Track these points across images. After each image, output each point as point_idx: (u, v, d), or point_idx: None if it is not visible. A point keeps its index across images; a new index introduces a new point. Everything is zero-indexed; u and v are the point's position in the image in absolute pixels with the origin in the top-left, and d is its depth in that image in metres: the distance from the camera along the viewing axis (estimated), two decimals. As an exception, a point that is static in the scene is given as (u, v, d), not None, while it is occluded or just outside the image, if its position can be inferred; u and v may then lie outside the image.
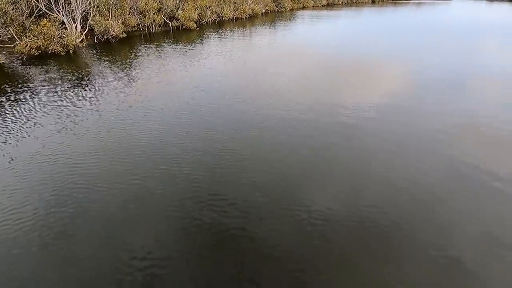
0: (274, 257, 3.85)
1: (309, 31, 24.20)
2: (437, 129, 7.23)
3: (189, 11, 22.23)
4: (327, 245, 4.00)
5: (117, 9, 18.12)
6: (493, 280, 3.54)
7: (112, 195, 4.99)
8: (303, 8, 45.16)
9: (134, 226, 4.37)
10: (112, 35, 17.10)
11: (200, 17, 24.31)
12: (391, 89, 10.37)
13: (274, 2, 38.17)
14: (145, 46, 17.07)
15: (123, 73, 12.27)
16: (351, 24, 29.72)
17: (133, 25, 20.18)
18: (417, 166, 5.71)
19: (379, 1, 65.76)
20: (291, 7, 41.54)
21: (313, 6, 47.13)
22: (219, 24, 26.30)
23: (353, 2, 60.61)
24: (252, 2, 31.39)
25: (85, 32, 17.07)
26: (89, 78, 11.37)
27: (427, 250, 3.89)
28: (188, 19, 22.00)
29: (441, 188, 5.10)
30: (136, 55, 15.10)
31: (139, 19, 20.70)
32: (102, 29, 16.41)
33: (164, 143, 6.64)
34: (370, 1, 64.88)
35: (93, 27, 16.91)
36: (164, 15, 22.61)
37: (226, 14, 27.42)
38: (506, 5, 46.86)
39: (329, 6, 51.18)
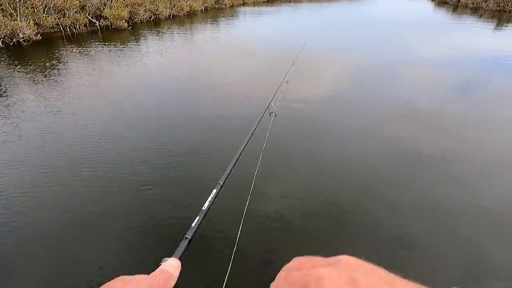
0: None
1: (251, 27, 24.05)
2: (377, 115, 7.75)
3: (118, 9, 20.35)
4: (285, 229, 4.12)
5: (27, 7, 15.70)
6: (437, 244, 3.90)
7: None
8: (244, 4, 44.97)
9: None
10: (23, 37, 14.76)
11: (132, 15, 22.48)
12: (330, 81, 10.69)
13: (213, -1, 37.26)
14: (67, 49, 15.09)
15: (40, 79, 10.60)
16: (291, 19, 30.36)
17: (51, 26, 17.77)
18: (363, 150, 6.10)
19: (316, -3, 68.58)
20: (231, 4, 41.01)
21: (253, 3, 47.22)
22: (155, 23, 24.68)
23: (292, -2, 62.32)
24: (190, -2, 30.13)
25: (-13, 35, 14.46)
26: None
27: (376, 224, 4.15)
28: (117, 18, 20.14)
29: (385, 168, 5.53)
30: (56, 59, 13.24)
31: (58, 18, 18.30)
32: (8, 31, 14.04)
33: (98, 153, 5.85)
34: (308, -3, 67.37)
35: (-4, 29, 14.40)
36: (89, 13, 20.38)
37: (162, 11, 25.85)
38: (422, 1, 52.69)
39: (269, 2, 51.84)
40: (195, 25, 24.46)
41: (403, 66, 12.73)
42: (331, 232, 4.10)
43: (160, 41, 17.41)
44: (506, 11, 32.82)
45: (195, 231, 0.81)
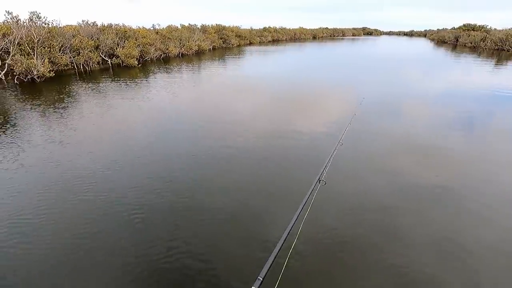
0: None
1: (258, 65, 24.99)
2: (382, 149, 7.66)
3: (129, 48, 21.53)
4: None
5: (44, 48, 16.67)
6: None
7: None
8: (250, 44, 47.49)
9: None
10: (37, 74, 15.46)
11: (142, 54, 23.71)
12: (333, 115, 10.65)
13: (221, 39, 39.45)
14: (78, 84, 15.69)
15: (47, 112, 10.83)
16: (297, 58, 31.64)
17: (65, 64, 18.71)
18: (366, 182, 5.93)
19: (319, 38, 72.42)
20: (238, 43, 43.32)
21: (259, 42, 49.86)
22: (165, 61, 25.94)
23: (296, 38, 65.84)
24: (198, 39, 31.93)
25: (4, 71, 15.21)
26: (7, 121, 9.73)
27: (376, 256, 4.01)
28: (128, 56, 21.21)
29: (390, 202, 5.33)
30: (66, 93, 13.67)
31: (73, 57, 19.34)
32: (23, 69, 14.75)
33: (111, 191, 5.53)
34: (311, 38, 71.16)
35: (12, 67, 15.15)
36: (102, 52, 21.56)
37: (172, 50, 27.27)
38: (422, 40, 54.95)
39: (275, 42, 54.75)
40: (202, 63, 25.57)
41: (408, 101, 12.72)
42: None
43: (168, 77, 18.05)
44: (504, 50, 33.71)
45: None
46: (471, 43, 39.53)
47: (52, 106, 11.77)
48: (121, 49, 21.78)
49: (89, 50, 20.19)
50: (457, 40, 43.85)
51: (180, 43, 29.17)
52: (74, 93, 13.89)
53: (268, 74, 20.16)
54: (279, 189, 5.81)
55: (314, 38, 71.69)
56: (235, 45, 42.21)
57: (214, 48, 37.22)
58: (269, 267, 1.08)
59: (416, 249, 4.17)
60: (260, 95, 14.22)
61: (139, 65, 22.15)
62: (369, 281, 3.65)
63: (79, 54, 19.65)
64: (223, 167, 6.72)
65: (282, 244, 1.33)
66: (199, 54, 31.53)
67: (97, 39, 21.55)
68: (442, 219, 4.85)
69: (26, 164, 6.82)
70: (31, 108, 11.45)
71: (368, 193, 5.59)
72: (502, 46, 34.18)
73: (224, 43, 40.26)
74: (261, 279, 0.95)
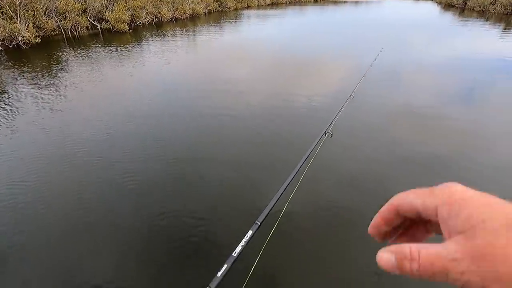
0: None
1: (257, 30, 23.79)
2: (382, 118, 7.51)
3: (119, 12, 20.25)
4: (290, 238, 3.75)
5: (27, 10, 15.62)
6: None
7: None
8: (248, 7, 44.91)
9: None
10: (22, 40, 14.65)
11: (133, 18, 22.39)
12: (338, 81, 10.40)
13: (217, 2, 37.20)
14: (68, 51, 14.96)
15: (37, 79, 10.45)
16: (298, 22, 30.08)
17: (51, 29, 17.69)
18: (368, 154, 5.82)
19: (320, 1, 68.51)
20: (235, 7, 40.97)
21: (257, 5, 47.17)
22: (157, 26, 24.59)
23: (296, 1, 62.26)
24: (193, 1, 30.05)
25: (-14, 37, 14.37)
26: None
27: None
28: (118, 21, 20.03)
29: (391, 171, 5.32)
30: (55, 60, 13.11)
31: (59, 21, 18.23)
32: (6, 34, 13.93)
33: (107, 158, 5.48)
34: (313, 0, 67.31)
35: (-5, 32, 14.30)
36: (90, 16, 20.32)
37: (164, 14, 25.77)
38: (429, 3, 52.14)
39: (274, 5, 51.78)
40: (198, 28, 24.29)
41: (411, 70, 12.29)
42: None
43: (161, 43, 17.21)
44: (515, 14, 32.17)
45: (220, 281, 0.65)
46: (479, 7, 37.58)
47: (40, 73, 11.31)
48: (110, 12, 20.50)
49: (76, 13, 18.99)
50: (465, 3, 41.62)
51: (173, 6, 27.49)
52: (63, 60, 13.30)
53: (269, 40, 19.26)
54: (284, 146, 5.90)
55: (316, 1, 67.85)
56: (232, 8, 39.90)
57: (209, 12, 35.22)
58: (267, 213, 1.08)
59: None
60: (261, 61, 13.67)
61: (130, 31, 21.03)
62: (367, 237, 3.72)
63: (65, 18, 18.51)
64: (224, 128, 6.77)
65: (282, 193, 1.32)
66: (194, 19, 29.87)
67: (84, 1, 20.17)
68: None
69: (19, 130, 6.73)
70: (19, 75, 11.00)
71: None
72: (511, 10, 32.57)
73: (220, 7, 38.02)
74: (259, 223, 0.97)
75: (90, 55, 14.29)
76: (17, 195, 4.64)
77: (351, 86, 4.59)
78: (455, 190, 0.28)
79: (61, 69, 11.93)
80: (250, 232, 0.82)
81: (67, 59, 13.45)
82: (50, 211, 4.33)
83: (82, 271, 3.43)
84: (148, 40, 18.50)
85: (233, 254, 0.70)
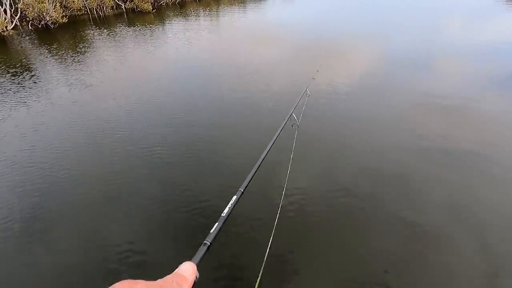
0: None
1: (282, 11, 22.79)
2: (404, 106, 7.01)
3: (143, -9, 20.04)
4: (308, 219, 3.81)
5: (55, -10, 15.79)
6: (457, 241, 3.51)
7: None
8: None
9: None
10: (50, 20, 14.91)
11: (157, -3, 22.13)
12: (360, 68, 9.72)
13: (241, -20, 35.85)
14: (94, 32, 15.09)
15: (66, 58, 10.71)
16: (322, 3, 28.51)
17: (78, 8, 17.87)
18: (387, 142, 5.57)
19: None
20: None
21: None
22: (180, 5, 24.23)
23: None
24: (216, -20, 29.12)
25: (18, 17, 14.76)
26: (27, 70, 9.68)
27: (400, 218, 3.82)
28: (142, 1, 19.86)
29: (409, 161, 5.02)
30: (82, 40, 13.29)
31: (85, 0, 18.35)
32: (35, 14, 14.20)
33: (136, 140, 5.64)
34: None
35: (24, 12, 14.62)
36: (115, -4, 20.29)
37: (188, -7, 25.26)
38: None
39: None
40: (221, 8, 23.65)
41: (441, 55, 11.23)
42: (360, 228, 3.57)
43: (184, 23, 16.91)
44: None
45: (214, 237, 0.77)
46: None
47: (69, 52, 11.51)
48: (134, -9, 20.34)
49: (101, -7, 19.01)
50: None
51: (197, -15, 26.83)
52: (89, 39, 13.43)
53: (293, 21, 18.39)
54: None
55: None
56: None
57: (233, -9, 34.13)
58: (249, 181, 1.16)
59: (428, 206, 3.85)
60: (283, 44, 13.08)
61: (154, 11, 20.85)
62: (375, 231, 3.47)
63: (91, -3, 18.60)
64: (242, 114, 6.57)
65: (261, 162, 1.41)
66: (217, -2, 29.11)
67: (109, -20, 20.08)
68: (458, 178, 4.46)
69: (54, 103, 7.31)
70: (49, 53, 11.26)
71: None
72: None
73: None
74: (242, 190, 1.06)
75: (116, 35, 14.32)
76: (54, 159, 5.04)
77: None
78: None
79: (88, 48, 12.06)
80: (235, 197, 0.99)
81: (94, 39, 13.57)
82: (79, 176, 4.64)
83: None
84: (171, 20, 18.26)
85: (222, 214, 0.85)
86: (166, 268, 0.59)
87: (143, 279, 0.48)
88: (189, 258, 0.66)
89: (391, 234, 3.60)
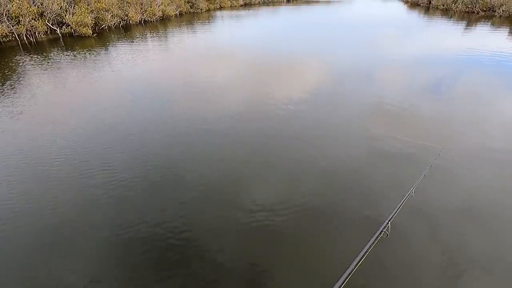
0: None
1: (231, 32, 23.19)
2: (356, 114, 7.72)
3: (80, 15, 18.88)
4: (274, 226, 3.93)
5: (-28, 15, 14.02)
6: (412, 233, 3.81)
7: None
8: (221, 8, 44.20)
9: None
10: (-33, 48, 13.09)
11: (98, 21, 21.02)
12: (314, 82, 10.22)
13: (188, 3, 36.17)
14: (24, 59, 13.60)
15: None
16: (271, 23, 29.82)
17: (3, 34, 16.09)
18: (343, 146, 6.10)
19: (293, 1, 69.14)
20: (207, 8, 40.11)
21: (230, 6, 46.56)
22: (125, 29, 23.31)
23: (269, 2, 62.33)
24: (162, 3, 28.90)
25: None
26: None
27: (362, 215, 4.03)
28: (80, 25, 18.68)
29: (365, 161, 5.56)
30: (11, 69, 11.81)
31: (12, 26, 16.63)
32: None
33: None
34: (285, 1, 67.74)
35: None
36: (49, 20, 18.77)
37: (132, 17, 24.50)
38: (396, 2, 54.14)
39: (247, 6, 51.40)
40: (168, 30, 23.29)
41: (381, 67, 12.31)
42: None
43: (130, 47, 16.15)
44: (474, 12, 33.97)
45: None
46: (443, 5, 39.39)
47: (-12, 86, 10.08)
48: (71, 16, 19.06)
49: (31, 17, 17.44)
50: (430, 2, 43.54)
51: (142, 8, 26.24)
52: (19, 69, 12.02)
53: (243, 43, 18.76)
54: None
55: (288, 1, 68.36)
56: (204, 9, 39.01)
57: (180, 14, 34.14)
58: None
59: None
60: (235, 66, 13.13)
61: (95, 35, 19.72)
62: None
63: (19, 22, 16.92)
64: (196, 140, 6.40)
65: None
66: (164, 21, 28.74)
67: (41, 4, 18.59)
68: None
69: None
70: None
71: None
72: (472, 8, 34.37)
73: (192, 8, 37.00)
74: None
75: (50, 62, 13.08)
76: None
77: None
78: None
79: (18, 79, 10.75)
80: None
81: (24, 68, 12.19)
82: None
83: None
84: (115, 44, 17.36)
85: None
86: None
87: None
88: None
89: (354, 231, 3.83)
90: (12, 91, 9.50)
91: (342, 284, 1.12)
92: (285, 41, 18.84)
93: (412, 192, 2.67)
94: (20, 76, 11.03)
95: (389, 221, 2.04)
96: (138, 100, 8.82)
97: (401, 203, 2.39)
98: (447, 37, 19.23)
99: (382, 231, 1.96)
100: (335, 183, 4.92)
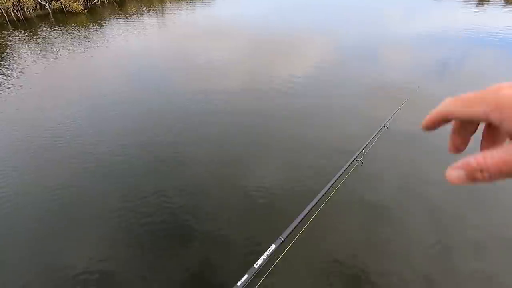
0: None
1: (232, 7, 21.90)
2: (357, 92, 7.25)
3: (71, -12, 17.62)
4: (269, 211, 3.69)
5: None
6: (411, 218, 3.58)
7: None
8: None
9: None
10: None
11: (89, -5, 19.73)
12: (316, 60, 9.47)
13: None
14: (12, 36, 12.67)
15: None
16: (269, 2, 28.29)
17: (-12, 10, 15.01)
18: (344, 122, 5.80)
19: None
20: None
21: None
22: (119, 4, 21.98)
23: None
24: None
25: None
26: None
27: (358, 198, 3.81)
28: (70, 0, 17.49)
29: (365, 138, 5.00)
30: (1, 49, 10.96)
31: (-3, 0, 15.50)
32: None
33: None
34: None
35: None
36: (37, -6, 17.54)
37: (126, -9, 23.05)
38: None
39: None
40: (166, 4, 21.97)
41: (385, 46, 11.52)
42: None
43: (125, 24, 15.14)
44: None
45: None
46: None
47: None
48: (60, -11, 17.80)
49: (18, -9, 16.23)
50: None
51: (135, -18, 24.65)
52: (10, 48, 11.16)
53: (244, 17, 17.71)
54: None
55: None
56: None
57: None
58: (292, 230, 1.05)
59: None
60: (236, 41, 12.30)
61: (86, 11, 18.52)
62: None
63: (5, -4, 15.76)
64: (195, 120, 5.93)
65: (307, 213, 1.30)
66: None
67: (27, -24, 17.25)
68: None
69: None
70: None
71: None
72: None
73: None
74: (282, 239, 0.97)
75: (40, 39, 12.19)
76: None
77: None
78: (503, 94, 0.26)
79: (7, 55, 9.99)
80: (273, 246, 0.84)
81: (13, 46, 11.33)
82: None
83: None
84: (108, 21, 16.30)
85: (254, 265, 0.73)
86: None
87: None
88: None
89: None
90: (4, 69, 8.80)
91: (314, 205, 1.16)
92: (289, 16, 17.81)
93: (387, 124, 2.76)
94: (9, 53, 10.24)
95: (363, 149, 2.18)
96: (135, 78, 8.19)
97: (375, 134, 2.45)
98: (457, 14, 18.21)
99: (356, 159, 2.11)
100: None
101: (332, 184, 1.73)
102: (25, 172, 4.44)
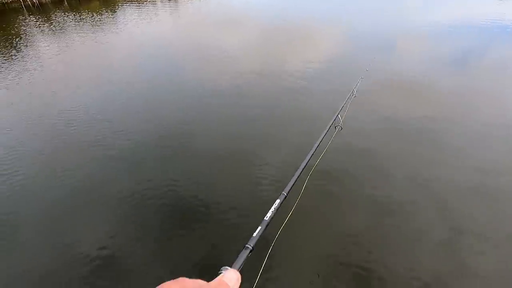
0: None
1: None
2: (372, 84, 6.62)
3: (84, -27, 17.66)
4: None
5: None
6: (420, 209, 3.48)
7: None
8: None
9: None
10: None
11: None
12: (329, 50, 9.24)
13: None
14: (29, 21, 12.87)
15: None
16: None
17: (5, -5, 15.25)
18: (358, 118, 5.34)
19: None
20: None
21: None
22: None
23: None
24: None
25: None
26: None
27: (365, 191, 3.74)
28: (85, -16, 17.53)
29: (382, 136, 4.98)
30: (16, 33, 11.15)
31: (13, -15, 15.70)
32: None
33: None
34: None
35: None
36: (51, -20, 17.66)
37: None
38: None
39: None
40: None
41: (401, 36, 11.08)
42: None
43: (138, 10, 15.13)
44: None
45: (256, 241, 0.75)
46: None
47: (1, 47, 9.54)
48: (74, -25, 17.86)
49: (33, -24, 16.38)
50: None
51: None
52: (24, 32, 11.34)
53: (261, 7, 17.42)
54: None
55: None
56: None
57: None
58: (292, 185, 1.09)
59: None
60: (250, 28, 12.14)
61: (100, -4, 18.58)
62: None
63: (21, -18, 15.94)
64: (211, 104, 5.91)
65: (305, 166, 1.34)
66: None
67: (42, -39, 17.37)
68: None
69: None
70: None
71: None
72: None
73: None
74: (285, 194, 1.04)
75: (55, 25, 12.33)
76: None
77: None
78: None
79: (23, 40, 10.16)
80: (278, 201, 0.92)
81: (29, 31, 11.51)
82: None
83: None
84: (122, 6, 16.32)
85: (265, 218, 0.80)
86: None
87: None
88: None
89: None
90: (19, 53, 8.95)
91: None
92: (301, 5, 17.39)
93: (354, 92, 2.93)
94: (24, 38, 10.41)
95: (338, 114, 2.34)
96: (146, 64, 8.17)
97: (345, 101, 2.62)
98: (479, 4, 17.36)
99: (334, 124, 2.29)
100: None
101: (318, 145, 1.84)
102: (39, 154, 4.53)
